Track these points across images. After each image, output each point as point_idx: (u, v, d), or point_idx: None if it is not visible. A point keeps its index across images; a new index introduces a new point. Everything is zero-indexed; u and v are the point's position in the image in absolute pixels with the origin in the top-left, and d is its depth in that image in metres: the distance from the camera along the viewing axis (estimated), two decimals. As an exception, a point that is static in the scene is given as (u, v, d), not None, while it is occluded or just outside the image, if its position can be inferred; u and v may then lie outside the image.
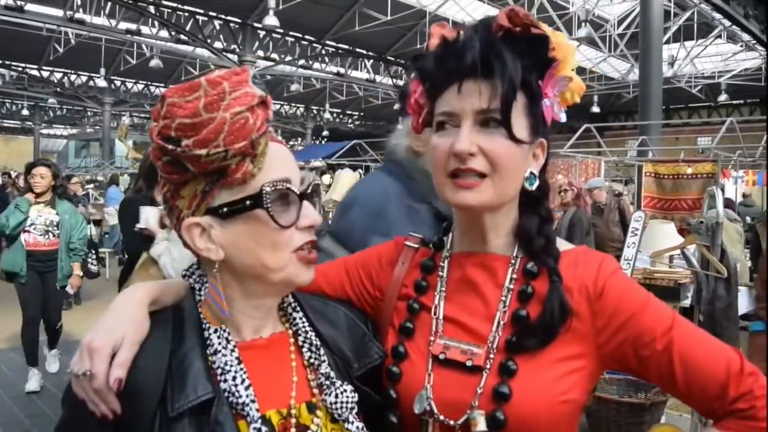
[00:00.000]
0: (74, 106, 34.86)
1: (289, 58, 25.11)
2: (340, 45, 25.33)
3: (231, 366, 1.01)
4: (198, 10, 21.68)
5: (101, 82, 28.97)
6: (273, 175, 1.01)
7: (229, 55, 22.68)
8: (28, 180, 6.37)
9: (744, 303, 5.54)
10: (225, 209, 1.01)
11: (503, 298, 1.15)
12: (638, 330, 1.10)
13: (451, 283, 1.21)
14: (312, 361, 1.11)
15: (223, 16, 22.43)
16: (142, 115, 35.31)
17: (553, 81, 1.14)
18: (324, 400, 1.07)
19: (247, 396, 0.99)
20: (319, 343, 1.12)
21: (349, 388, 1.09)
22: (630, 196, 13.20)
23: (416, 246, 1.30)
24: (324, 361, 1.11)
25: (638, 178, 10.66)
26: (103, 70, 27.05)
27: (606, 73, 29.53)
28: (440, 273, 1.23)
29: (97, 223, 13.00)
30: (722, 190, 6.74)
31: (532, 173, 1.16)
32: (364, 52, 25.78)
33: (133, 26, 22.11)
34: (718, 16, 19.97)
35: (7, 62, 27.96)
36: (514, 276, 1.16)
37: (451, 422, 1.09)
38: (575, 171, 11.44)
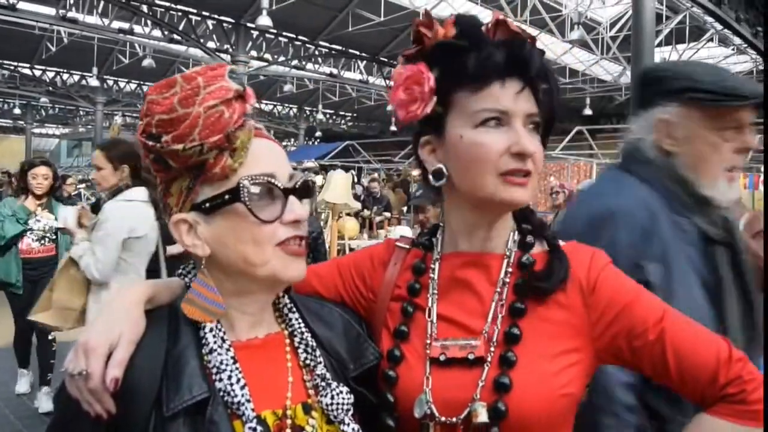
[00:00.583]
0: (66, 105, 34.69)
1: (282, 58, 25.03)
2: (334, 46, 25.27)
3: (226, 365, 1.01)
4: (191, 10, 21.59)
5: (94, 82, 28.79)
6: (255, 170, 1.02)
7: (222, 55, 22.60)
8: (26, 181, 5.86)
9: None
10: (207, 204, 1.02)
11: (498, 291, 1.17)
12: (631, 321, 1.12)
13: (443, 284, 1.21)
14: (308, 362, 1.11)
15: (216, 16, 22.34)
16: (135, 114, 35.13)
17: None
18: (320, 402, 1.07)
19: (243, 396, 0.99)
20: (314, 344, 1.12)
21: (345, 389, 1.09)
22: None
23: (407, 247, 1.30)
24: (320, 363, 1.11)
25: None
26: (95, 70, 26.89)
27: (598, 75, 29.61)
28: (431, 275, 1.23)
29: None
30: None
31: None
32: (358, 53, 25.74)
33: (125, 25, 22.01)
34: (709, 19, 20.06)
35: (-1, 61, 27.84)
36: (509, 270, 1.18)
37: (453, 419, 1.09)
38: (567, 173, 11.48)
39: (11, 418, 5.43)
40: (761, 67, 24.64)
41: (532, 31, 22.81)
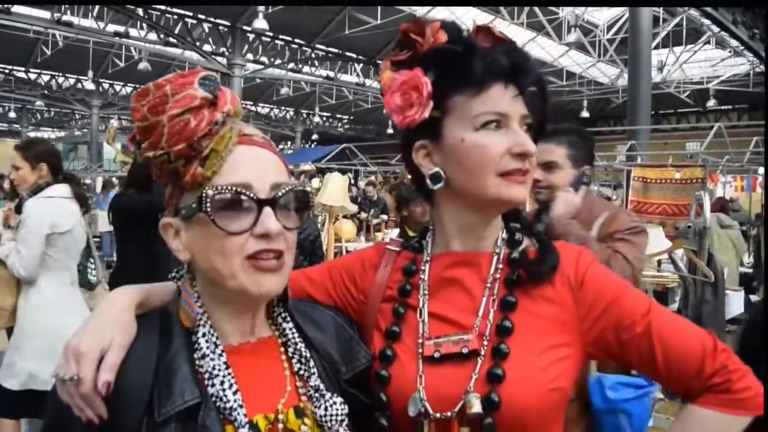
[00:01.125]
0: (62, 108, 34.80)
1: (278, 61, 25.12)
2: (330, 48, 25.35)
3: (219, 370, 1.00)
4: (187, 13, 21.65)
5: (89, 85, 28.94)
6: (228, 179, 0.99)
7: (219, 58, 22.66)
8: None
9: (731, 307, 5.56)
10: (183, 212, 1.01)
11: (488, 286, 1.18)
12: (618, 315, 1.15)
13: (433, 283, 1.22)
14: (301, 372, 1.10)
15: (212, 19, 22.41)
16: (131, 118, 35.25)
17: None
18: (314, 413, 1.07)
19: (235, 401, 0.98)
20: (308, 354, 1.11)
21: (339, 400, 1.08)
22: (619, 201, 13.25)
23: (398, 249, 1.32)
24: (314, 373, 1.10)
25: (627, 182, 10.71)
26: (91, 73, 26.98)
27: (595, 78, 29.71)
28: (422, 276, 1.24)
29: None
30: (710, 195, 6.74)
31: None
32: (354, 55, 25.82)
33: (121, 29, 22.02)
34: (706, 21, 20.14)
35: (-7, 64, 27.85)
36: (500, 266, 1.20)
37: (448, 413, 1.10)
38: (564, 175, 11.46)
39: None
40: (758, 69, 24.75)
41: (529, 33, 22.86)
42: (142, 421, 0.95)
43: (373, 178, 14.63)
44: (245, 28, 22.31)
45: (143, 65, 23.51)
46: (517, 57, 1.15)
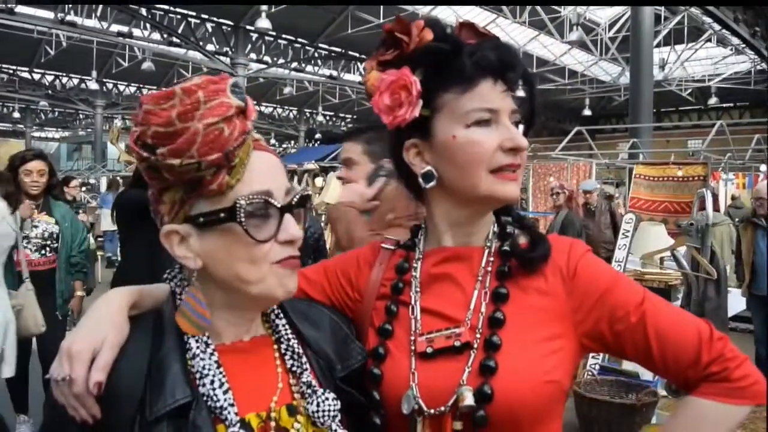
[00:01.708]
0: (66, 108, 34.74)
1: (281, 60, 25.07)
2: (333, 48, 25.32)
3: (209, 370, 0.99)
4: (190, 13, 21.62)
5: (93, 85, 28.83)
6: (252, 187, 0.98)
7: (222, 58, 22.65)
8: (17, 179, 4.66)
9: (733, 304, 5.58)
10: (201, 219, 0.99)
11: (480, 279, 1.18)
12: (612, 305, 1.13)
13: (425, 280, 1.22)
14: (294, 368, 1.10)
15: (215, 19, 22.39)
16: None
17: None
18: (306, 408, 1.06)
19: (226, 400, 0.98)
20: (301, 351, 1.11)
21: (332, 396, 1.07)
22: (621, 199, 13.26)
23: (392, 248, 1.31)
24: (306, 370, 1.09)
25: (629, 180, 10.72)
26: (94, 73, 26.95)
27: (597, 76, 29.66)
28: (413, 273, 1.24)
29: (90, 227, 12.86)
30: (713, 193, 6.75)
31: None
32: (357, 54, 25.77)
33: (124, 29, 22.04)
34: (708, 20, 20.10)
35: (-2, 64, 27.86)
36: (491, 259, 1.20)
37: (442, 408, 1.09)
38: (567, 173, 11.49)
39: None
40: (759, 67, 24.71)
41: (531, 32, 22.76)
42: (135, 420, 0.95)
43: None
44: (248, 27, 22.29)
45: (147, 65, 23.50)
46: (504, 52, 1.14)
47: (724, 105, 31.03)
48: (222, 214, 0.98)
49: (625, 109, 19.35)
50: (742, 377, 1.09)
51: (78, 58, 26.25)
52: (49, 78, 30.25)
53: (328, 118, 37.40)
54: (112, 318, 1.03)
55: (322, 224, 7.57)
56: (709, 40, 24.04)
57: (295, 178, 11.61)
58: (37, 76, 29.72)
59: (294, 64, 25.72)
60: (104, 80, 30.14)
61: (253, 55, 23.88)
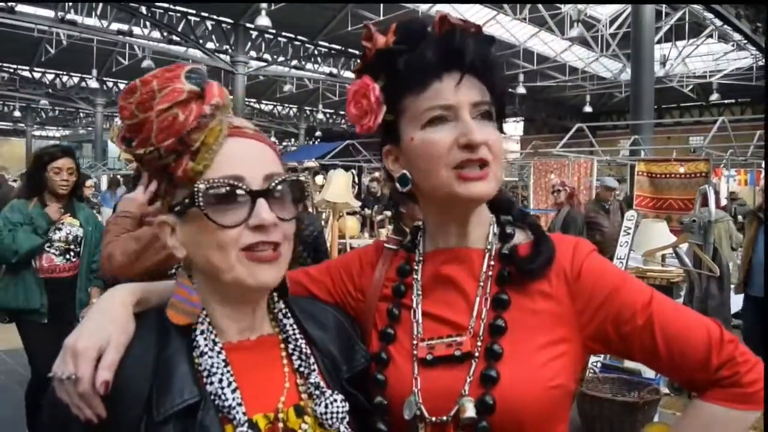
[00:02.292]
0: (66, 107, 34.80)
1: (281, 58, 25.08)
2: (333, 45, 25.32)
3: (217, 368, 0.99)
4: (190, 11, 21.63)
5: (93, 83, 28.89)
6: (220, 173, 0.98)
7: (222, 56, 22.65)
8: (44, 177, 4.35)
9: (736, 301, 5.55)
10: (177, 208, 1.00)
11: (481, 285, 1.16)
12: (618, 307, 1.11)
13: (426, 283, 1.21)
14: (302, 369, 1.09)
15: (215, 17, 22.38)
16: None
17: None
18: (314, 410, 1.05)
19: (234, 399, 0.97)
20: (309, 351, 1.10)
21: (340, 397, 1.06)
22: (623, 195, 13.24)
23: (395, 248, 1.29)
24: (314, 371, 1.08)
25: (631, 177, 10.70)
26: (95, 71, 27.01)
27: (598, 72, 29.63)
28: (415, 276, 1.22)
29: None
30: (715, 189, 6.73)
31: None
32: (357, 52, 25.71)
33: (124, 27, 22.05)
34: (709, 15, 20.05)
35: (-2, 63, 27.88)
36: (492, 263, 1.17)
37: (444, 418, 1.07)
38: (568, 170, 11.46)
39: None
40: (761, 63, 24.66)
41: (532, 29, 22.76)
42: (141, 420, 0.94)
43: (376, 174, 14.61)
44: (248, 25, 22.29)
45: (147, 63, 23.47)
46: (450, 44, 1.11)
47: (726, 101, 31.00)
48: (186, 200, 0.98)
49: (626, 105, 19.34)
50: (753, 382, 1.07)
51: (78, 56, 26.28)
52: (50, 77, 30.30)
53: (328, 115, 37.39)
54: (118, 316, 1.02)
55: (323, 222, 7.57)
56: (710, 35, 24.00)
57: (295, 176, 11.60)
58: (37, 75, 29.78)
59: (294, 62, 25.73)
60: (104, 79, 30.16)
61: (253, 53, 23.89)
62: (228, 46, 22.90)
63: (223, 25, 22.65)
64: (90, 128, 36.75)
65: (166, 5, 21.04)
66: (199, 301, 1.02)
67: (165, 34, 22.00)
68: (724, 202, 11.76)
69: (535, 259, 1.14)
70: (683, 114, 34.75)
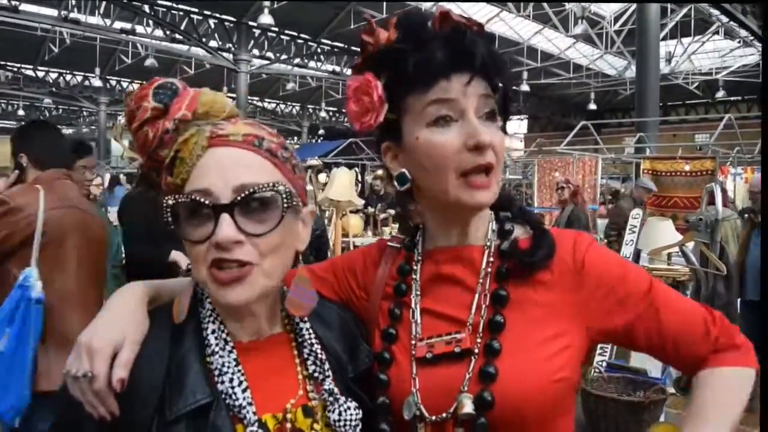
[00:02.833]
0: (70, 106, 34.94)
1: (284, 56, 25.12)
2: (336, 43, 25.32)
3: (228, 367, 0.99)
4: (193, 9, 21.66)
5: (96, 82, 29.05)
6: (192, 186, 0.96)
7: (225, 54, 22.68)
8: (75, 177, 3.74)
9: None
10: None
11: (481, 281, 1.15)
12: (623, 295, 1.14)
13: (426, 281, 1.20)
14: (316, 375, 1.09)
15: (218, 15, 22.41)
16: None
17: None
18: (327, 417, 1.05)
19: (244, 399, 0.97)
20: (324, 357, 1.09)
21: (354, 405, 1.06)
22: (628, 193, 13.20)
23: (398, 246, 1.29)
24: (328, 376, 1.08)
25: (636, 175, 10.66)
26: (98, 70, 27.15)
27: (603, 70, 29.59)
28: (413, 276, 1.22)
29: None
30: (722, 187, 6.69)
31: None
32: (360, 50, 25.79)
33: (127, 25, 22.10)
34: (715, 12, 20.00)
35: (2, 62, 27.97)
36: (491, 259, 1.17)
37: (443, 415, 1.07)
38: (572, 168, 11.44)
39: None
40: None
41: (536, 26, 22.75)
42: (154, 419, 0.94)
43: (380, 172, 14.62)
44: (251, 23, 22.32)
45: (150, 62, 23.56)
46: (461, 45, 1.09)
47: (732, 98, 30.90)
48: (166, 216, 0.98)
49: (631, 103, 19.31)
50: (744, 343, 1.17)
51: (81, 55, 26.36)
52: (53, 75, 30.42)
53: (331, 113, 37.44)
54: (132, 313, 1.03)
55: (326, 221, 7.55)
56: (716, 32, 23.95)
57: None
58: (41, 74, 29.87)
59: (297, 60, 25.77)
60: (108, 77, 30.28)
61: (255, 51, 23.90)
62: (231, 45, 22.92)
63: (226, 23, 22.67)
64: (93, 127, 36.85)
65: (169, 4, 21.08)
66: (184, 311, 1.03)
67: (168, 32, 22.02)
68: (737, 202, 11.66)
69: (536, 251, 1.14)
70: (689, 111, 34.68)
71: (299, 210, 1.07)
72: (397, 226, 9.56)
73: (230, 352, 1.02)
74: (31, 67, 28.95)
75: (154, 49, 24.03)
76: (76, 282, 2.90)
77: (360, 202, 7.31)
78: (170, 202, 0.95)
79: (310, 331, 1.12)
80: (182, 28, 21.69)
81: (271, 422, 1.01)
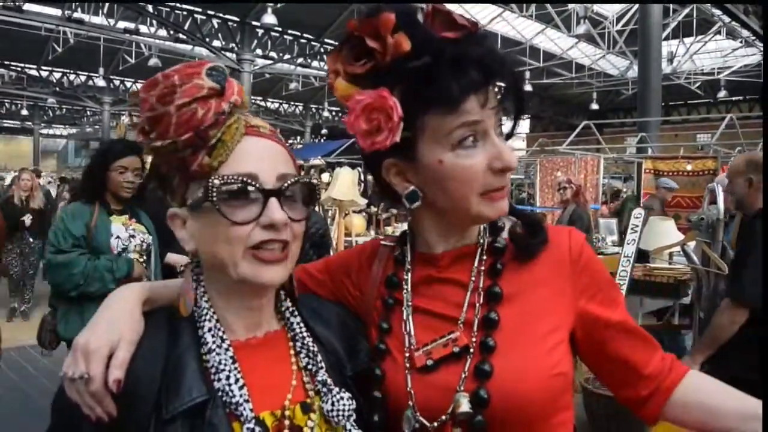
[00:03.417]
0: (73, 105, 34.91)
1: (287, 56, 25.09)
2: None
3: (225, 365, 0.99)
4: (196, 9, 21.66)
5: (100, 82, 29.05)
6: (234, 169, 0.98)
7: (228, 54, 22.68)
8: (107, 177, 3.70)
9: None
10: (190, 201, 1.01)
11: (473, 279, 1.15)
12: (609, 300, 1.16)
13: (419, 286, 1.19)
14: (309, 366, 1.09)
15: (221, 15, 22.41)
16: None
17: None
18: (321, 407, 1.05)
19: (241, 396, 0.97)
20: (316, 349, 1.10)
21: (347, 395, 1.06)
22: (630, 193, 13.20)
23: (392, 244, 1.27)
24: (321, 368, 1.09)
25: (638, 175, 10.66)
26: (102, 70, 27.14)
27: (605, 70, 29.55)
28: (405, 286, 1.19)
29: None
30: (723, 187, 6.69)
31: None
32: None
33: (131, 25, 22.10)
34: (717, 12, 19.97)
35: (6, 62, 28.00)
36: (484, 257, 1.16)
37: (443, 417, 1.07)
38: (574, 168, 11.43)
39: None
40: (769, 60, 24.54)
41: (538, 25, 22.64)
42: (151, 418, 0.94)
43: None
44: (254, 23, 22.30)
45: (153, 61, 23.57)
46: (494, 64, 1.04)
47: (734, 98, 30.86)
48: (200, 194, 0.98)
49: (633, 102, 19.26)
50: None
51: (85, 55, 26.36)
52: (57, 75, 30.43)
53: (334, 113, 37.37)
54: (128, 314, 1.03)
55: (329, 220, 7.57)
56: (718, 32, 23.91)
57: (302, 174, 11.65)
58: (45, 74, 29.89)
59: (300, 60, 25.73)
60: (111, 77, 30.27)
61: (259, 51, 23.88)
62: (234, 44, 22.91)
63: (230, 23, 22.66)
64: (97, 126, 36.87)
65: (172, 3, 21.07)
66: (191, 301, 1.04)
67: (171, 32, 22.02)
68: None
69: (533, 236, 1.15)
70: (691, 111, 34.62)
71: None
72: (399, 225, 9.57)
73: (227, 349, 1.01)
74: (34, 66, 28.96)
75: (158, 49, 24.03)
76: None
77: (363, 202, 7.31)
78: (216, 181, 0.97)
79: (301, 324, 1.12)
80: (186, 27, 21.68)
81: (270, 419, 1.01)
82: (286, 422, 1.02)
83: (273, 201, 0.99)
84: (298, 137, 39.57)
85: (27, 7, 20.00)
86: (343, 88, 1.09)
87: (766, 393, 1.10)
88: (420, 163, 1.08)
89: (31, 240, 9.00)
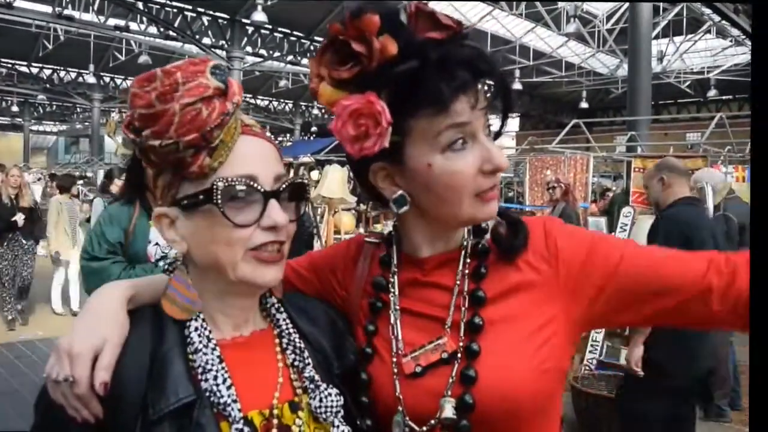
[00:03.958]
0: (64, 102, 34.83)
1: (277, 54, 25.04)
2: (330, 41, 25.25)
3: (212, 365, 0.98)
4: (186, 6, 21.60)
5: (90, 79, 28.96)
6: (235, 171, 0.97)
7: (218, 51, 22.62)
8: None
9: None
10: (185, 202, 0.99)
11: (458, 282, 1.13)
12: (602, 258, 1.09)
13: (407, 290, 1.17)
14: (296, 363, 1.09)
15: (211, 12, 22.36)
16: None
17: None
18: (309, 403, 1.05)
19: (229, 396, 0.97)
20: (302, 345, 1.10)
21: (334, 391, 1.06)
22: (619, 192, 13.24)
23: (377, 241, 1.26)
24: (308, 364, 1.08)
25: (627, 173, 10.69)
26: (92, 67, 26.98)
27: (594, 68, 29.62)
28: (392, 290, 1.18)
29: (88, 221, 12.71)
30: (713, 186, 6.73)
31: None
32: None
33: (121, 22, 21.99)
34: (707, 11, 20.05)
35: (-5, 59, 27.85)
36: (467, 260, 1.15)
37: (432, 422, 1.06)
38: (564, 167, 11.45)
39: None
40: (758, 59, 24.64)
41: (528, 24, 22.64)
42: (137, 419, 0.93)
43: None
44: (244, 20, 22.25)
45: (143, 58, 23.48)
46: (482, 64, 1.03)
47: (724, 97, 31.00)
48: (201, 196, 0.97)
49: (622, 101, 19.33)
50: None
51: (75, 52, 26.27)
52: (47, 72, 30.28)
53: (323, 111, 37.31)
54: (113, 314, 1.01)
55: (318, 218, 7.57)
56: (708, 31, 24.01)
57: (291, 172, 11.63)
58: (35, 70, 29.74)
59: (290, 57, 25.66)
60: (101, 74, 30.15)
61: (249, 48, 23.84)
62: (224, 42, 22.85)
63: (220, 20, 22.60)
64: (87, 123, 36.72)
65: (162, 1, 21.01)
66: (197, 299, 1.02)
67: (161, 29, 21.95)
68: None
69: (516, 236, 1.12)
70: (680, 110, 34.73)
71: None
72: (389, 223, 9.57)
73: (213, 349, 1.00)
74: (25, 63, 28.83)
75: (148, 46, 23.95)
76: None
77: (352, 200, 7.32)
78: (220, 184, 0.95)
79: (287, 321, 1.12)
80: (176, 25, 21.61)
81: (258, 419, 1.00)
82: (275, 421, 1.01)
83: (273, 203, 0.99)
84: (288, 135, 39.51)
85: (18, 3, 19.92)
86: (329, 94, 1.07)
87: (753, 384, 1.08)
88: (408, 167, 1.06)
89: (24, 241, 8.67)
